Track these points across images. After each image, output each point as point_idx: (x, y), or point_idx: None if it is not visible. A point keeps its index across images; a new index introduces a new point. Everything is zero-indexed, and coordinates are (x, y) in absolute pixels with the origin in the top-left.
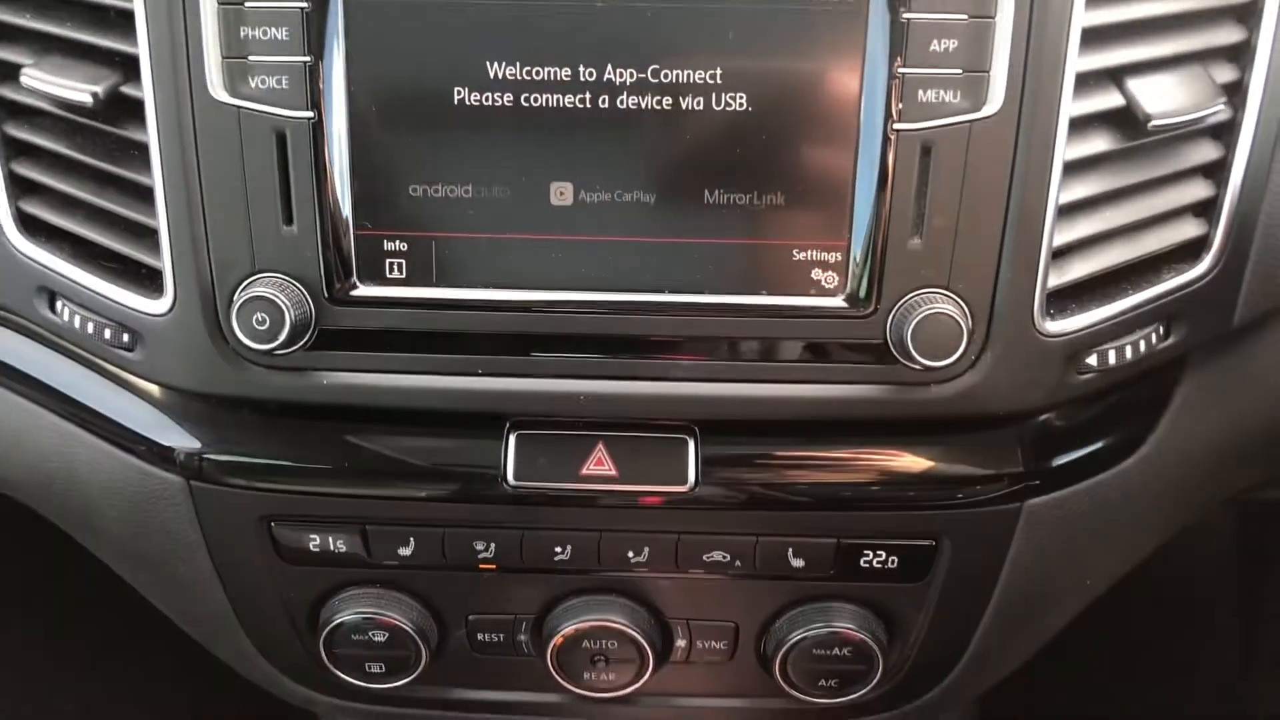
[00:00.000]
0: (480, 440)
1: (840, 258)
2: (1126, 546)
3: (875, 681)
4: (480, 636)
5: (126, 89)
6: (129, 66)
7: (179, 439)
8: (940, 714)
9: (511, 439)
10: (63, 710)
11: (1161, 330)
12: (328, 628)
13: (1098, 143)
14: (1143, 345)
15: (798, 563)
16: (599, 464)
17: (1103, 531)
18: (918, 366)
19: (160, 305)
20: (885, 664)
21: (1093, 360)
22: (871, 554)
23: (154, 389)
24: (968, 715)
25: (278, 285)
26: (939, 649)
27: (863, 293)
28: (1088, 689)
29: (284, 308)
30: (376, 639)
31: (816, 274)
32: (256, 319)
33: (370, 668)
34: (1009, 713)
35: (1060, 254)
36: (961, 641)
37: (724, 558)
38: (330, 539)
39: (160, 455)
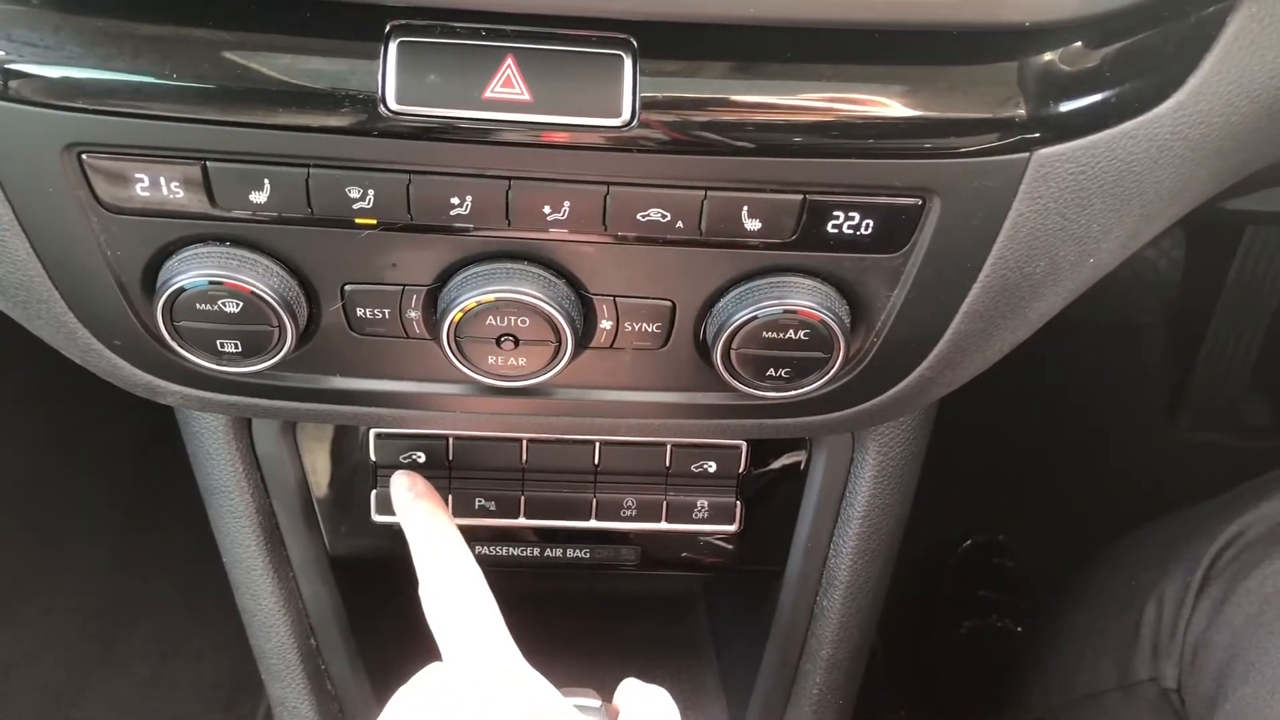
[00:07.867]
0: (352, 50)
1: None
2: (1142, 216)
3: (832, 372)
4: (360, 312)
5: None
6: None
7: None
8: (899, 415)
9: (392, 48)
10: None
11: None
12: (165, 294)
13: None
14: None
15: (753, 224)
16: (507, 85)
17: (1121, 193)
18: None
19: None
20: (846, 351)
21: None
22: (843, 215)
23: None
24: (924, 423)
25: None
26: (910, 336)
27: None
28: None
29: None
30: (228, 309)
31: None
32: None
33: (223, 346)
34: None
35: None
36: (937, 327)
37: (663, 217)
38: (162, 179)
39: None
